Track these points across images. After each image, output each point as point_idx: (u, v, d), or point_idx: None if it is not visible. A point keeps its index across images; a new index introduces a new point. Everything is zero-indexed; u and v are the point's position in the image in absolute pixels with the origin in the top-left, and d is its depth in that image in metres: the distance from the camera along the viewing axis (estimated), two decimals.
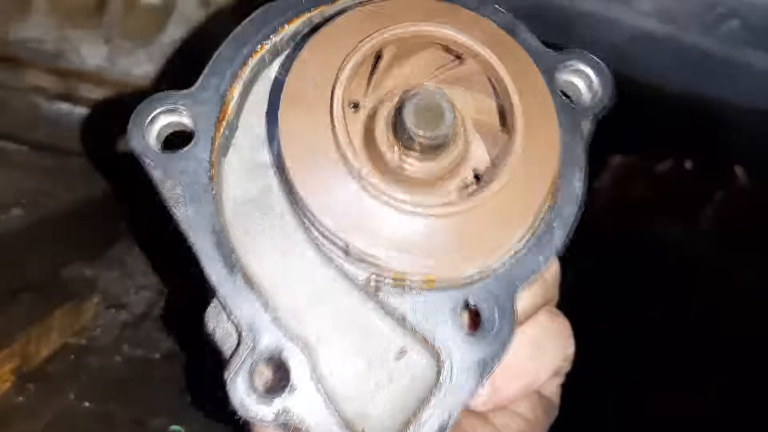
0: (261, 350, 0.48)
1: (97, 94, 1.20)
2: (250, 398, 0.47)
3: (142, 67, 1.21)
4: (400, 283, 0.50)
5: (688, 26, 1.04)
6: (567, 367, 0.70)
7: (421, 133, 0.48)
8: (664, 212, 2.65)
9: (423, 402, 0.50)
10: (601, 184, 3.13)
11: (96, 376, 0.87)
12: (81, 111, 1.20)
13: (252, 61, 0.54)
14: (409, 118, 0.48)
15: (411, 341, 0.51)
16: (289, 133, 0.49)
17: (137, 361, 0.92)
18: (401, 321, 0.51)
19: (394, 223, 0.48)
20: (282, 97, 0.50)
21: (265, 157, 0.54)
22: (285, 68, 0.54)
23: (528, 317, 0.63)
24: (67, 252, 1.02)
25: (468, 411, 0.64)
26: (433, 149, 0.50)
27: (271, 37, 0.55)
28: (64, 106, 1.19)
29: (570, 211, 0.53)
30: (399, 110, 0.49)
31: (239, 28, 0.55)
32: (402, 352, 0.51)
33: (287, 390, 0.48)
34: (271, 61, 0.56)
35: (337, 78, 0.48)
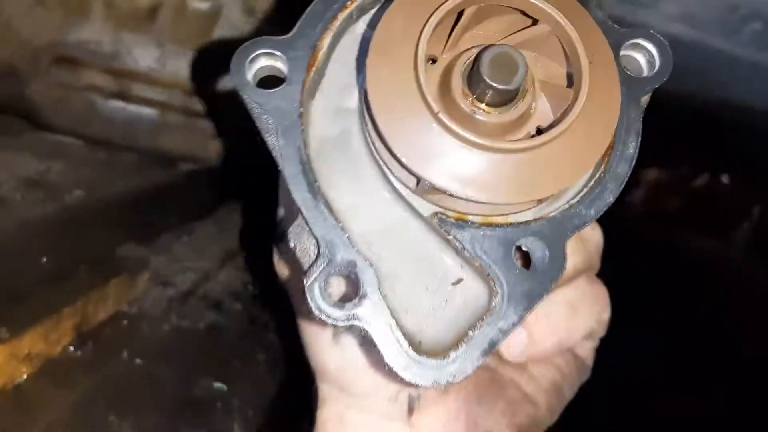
0: (337, 263, 0.54)
1: (148, 93, 1.29)
2: (325, 302, 0.53)
3: (190, 69, 1.30)
4: (462, 219, 0.56)
5: (713, 30, 1.06)
6: (601, 331, 0.75)
7: (495, 83, 0.51)
8: (699, 227, 2.64)
9: (474, 324, 0.55)
10: (635, 197, 3.13)
11: (147, 339, 0.93)
12: (133, 109, 1.28)
13: (341, 16, 0.59)
14: (485, 69, 0.51)
15: (468, 271, 0.57)
16: (375, 79, 0.53)
17: (184, 330, 0.98)
18: (461, 252, 0.56)
19: (460, 159, 0.52)
20: (370, 47, 0.54)
21: (348, 103, 0.60)
22: (372, 25, 0.60)
23: (569, 280, 0.68)
24: (121, 233, 1.09)
25: (507, 361, 0.69)
26: (504, 100, 0.54)
27: None
28: (118, 104, 1.28)
29: (623, 170, 0.58)
30: (476, 61, 0.52)
31: None
32: (459, 280, 0.57)
33: (357, 298, 0.54)
34: (358, 18, 0.61)
35: (420, 34, 0.52)
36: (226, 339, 0.99)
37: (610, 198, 0.57)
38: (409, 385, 0.54)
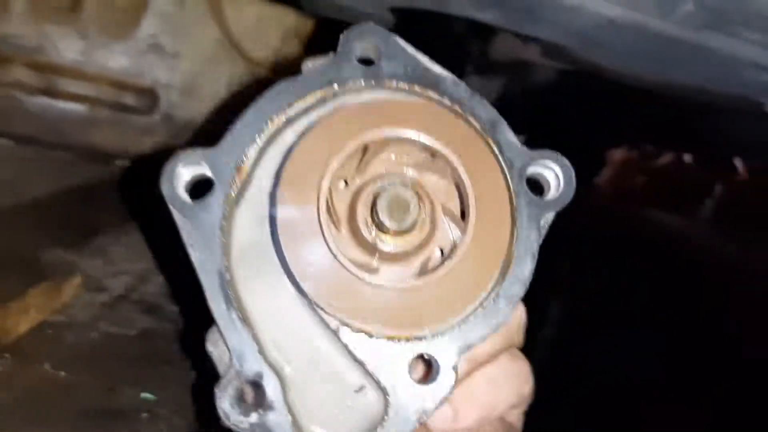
0: (245, 374, 0.59)
1: (75, 87, 1.23)
2: (232, 410, 0.58)
3: (118, 61, 1.25)
4: (365, 331, 0.60)
5: (649, 11, 1.03)
6: (525, 402, 0.78)
7: (389, 222, 0.59)
8: (665, 204, 2.65)
9: (372, 431, 0.60)
10: (602, 177, 3.14)
11: (72, 349, 0.89)
12: (60, 105, 1.23)
13: (269, 129, 0.62)
14: (381, 209, 0.59)
15: (368, 380, 0.61)
16: (284, 204, 0.59)
17: (113, 337, 0.95)
18: (362, 364, 0.61)
19: (360, 292, 0.59)
20: (283, 174, 0.59)
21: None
22: (298, 136, 0.63)
23: (492, 358, 0.71)
24: (47, 237, 1.05)
25: None
26: (401, 233, 0.61)
27: (287, 109, 0.63)
28: (44, 101, 1.22)
29: (517, 291, 0.63)
30: (374, 201, 0.60)
31: (261, 97, 0.63)
32: (361, 387, 0.61)
33: (262, 408, 0.59)
34: (285, 128, 0.63)
35: (327, 167, 0.58)
36: (158, 344, 0.95)
37: (502, 317, 0.62)
38: None
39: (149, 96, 1.28)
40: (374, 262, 0.61)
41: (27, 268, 0.97)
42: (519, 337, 0.76)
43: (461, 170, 0.60)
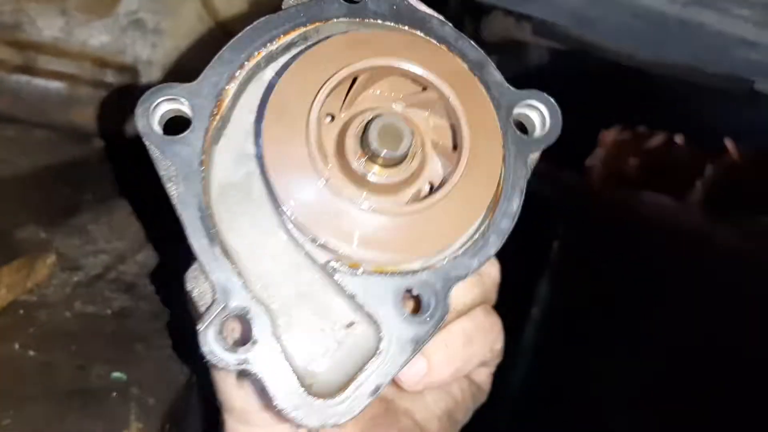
0: (231, 308, 0.57)
1: (55, 65, 1.22)
2: (217, 347, 0.56)
3: (99, 38, 1.23)
4: (355, 266, 0.60)
5: None
6: (496, 359, 0.80)
7: (382, 150, 0.58)
8: (656, 185, 2.64)
9: (363, 366, 0.59)
10: (594, 158, 3.12)
11: (44, 328, 0.88)
12: (40, 83, 1.21)
13: (248, 65, 0.62)
14: (373, 137, 0.58)
15: (359, 315, 0.61)
16: (271, 138, 0.58)
17: (87, 317, 0.94)
18: (352, 298, 0.61)
19: (352, 219, 0.58)
20: (268, 105, 0.59)
21: (251, 148, 0.62)
22: (279, 73, 0.63)
23: (467, 312, 0.73)
24: (23, 215, 1.04)
25: (404, 391, 0.70)
26: (393, 163, 0.60)
27: (267, 45, 0.63)
28: (24, 78, 1.21)
29: (506, 225, 0.63)
30: (366, 129, 0.59)
31: (240, 34, 0.63)
32: (351, 324, 0.61)
33: (249, 343, 0.57)
34: (266, 66, 0.64)
35: (315, 97, 0.58)
36: (133, 323, 0.94)
37: (492, 250, 0.63)
38: (299, 425, 0.58)
39: (130, 73, 1.27)
40: (364, 194, 0.60)
41: (1, 246, 0.96)
42: (493, 294, 0.77)
43: (455, 102, 0.60)
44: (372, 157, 0.59)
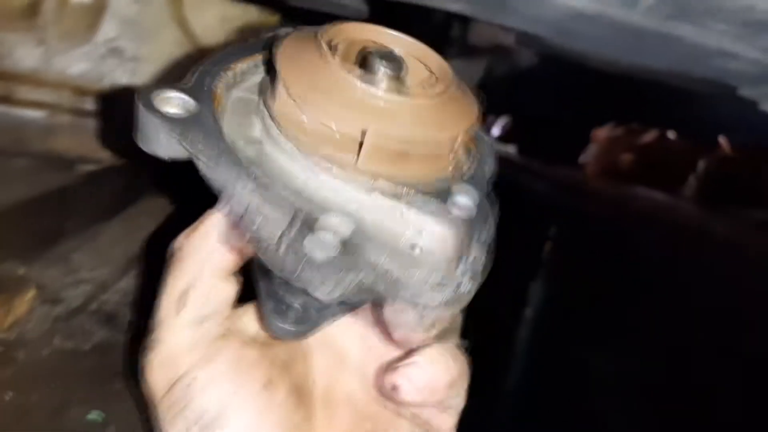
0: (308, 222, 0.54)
1: (34, 95, 1.22)
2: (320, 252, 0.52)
3: (77, 66, 1.23)
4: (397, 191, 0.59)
5: (613, 3, 1.03)
6: (461, 402, 0.73)
7: (383, 67, 0.59)
8: (650, 181, 2.64)
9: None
10: (587, 156, 3.12)
11: (21, 369, 0.89)
12: (19, 112, 1.22)
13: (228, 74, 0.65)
14: (374, 60, 0.60)
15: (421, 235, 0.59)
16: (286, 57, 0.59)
17: (66, 354, 0.94)
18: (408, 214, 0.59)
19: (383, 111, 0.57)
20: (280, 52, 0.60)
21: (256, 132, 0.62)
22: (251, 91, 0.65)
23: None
24: (2, 250, 1.04)
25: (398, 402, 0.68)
26: (394, 80, 0.60)
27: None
28: (2, 109, 1.21)
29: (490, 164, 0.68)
30: (364, 59, 0.61)
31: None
32: (414, 246, 0.59)
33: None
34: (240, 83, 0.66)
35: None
36: (112, 357, 0.95)
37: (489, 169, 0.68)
38: None
39: (110, 100, 1.27)
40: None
41: None
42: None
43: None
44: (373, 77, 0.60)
